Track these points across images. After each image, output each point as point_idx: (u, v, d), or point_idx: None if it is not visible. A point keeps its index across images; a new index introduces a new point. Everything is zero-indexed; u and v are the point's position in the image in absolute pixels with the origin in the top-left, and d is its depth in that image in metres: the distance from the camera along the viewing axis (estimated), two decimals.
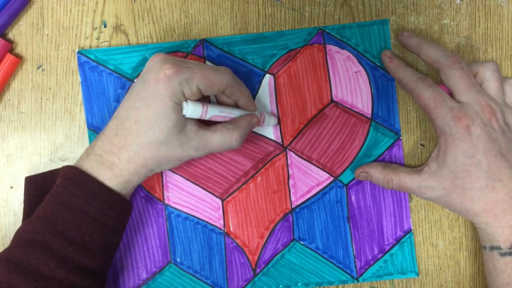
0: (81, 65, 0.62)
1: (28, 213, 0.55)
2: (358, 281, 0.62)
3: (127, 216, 0.57)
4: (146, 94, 0.52)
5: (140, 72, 0.62)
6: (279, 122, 0.63)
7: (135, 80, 0.56)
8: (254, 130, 0.63)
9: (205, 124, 0.56)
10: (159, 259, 0.62)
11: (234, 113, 0.57)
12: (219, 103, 0.59)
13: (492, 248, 0.55)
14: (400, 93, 0.63)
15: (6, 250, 0.52)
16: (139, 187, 0.62)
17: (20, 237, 0.52)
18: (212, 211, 0.62)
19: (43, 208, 0.53)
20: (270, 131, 0.63)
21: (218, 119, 0.56)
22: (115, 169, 0.53)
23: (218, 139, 0.55)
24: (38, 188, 0.56)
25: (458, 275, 0.63)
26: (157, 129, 0.52)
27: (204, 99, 0.58)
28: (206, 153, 0.56)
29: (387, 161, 0.62)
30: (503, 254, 0.54)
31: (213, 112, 0.55)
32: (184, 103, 0.53)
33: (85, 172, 0.54)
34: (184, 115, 0.53)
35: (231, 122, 0.57)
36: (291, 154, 0.63)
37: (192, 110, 0.53)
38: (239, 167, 0.63)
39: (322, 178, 0.63)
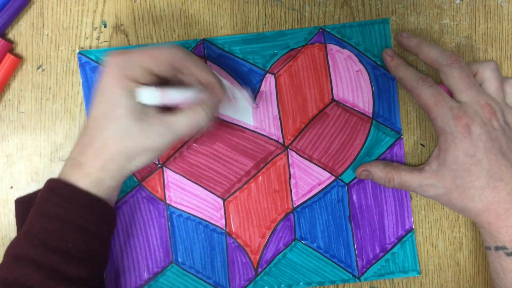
0: (82, 65, 0.62)
1: None
2: (360, 280, 0.62)
3: (110, 221, 0.56)
4: (98, 90, 0.53)
5: None
6: (257, 103, 0.62)
7: None
8: (255, 130, 0.62)
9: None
10: (160, 259, 0.62)
11: (197, 91, 0.55)
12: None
13: (498, 248, 0.55)
14: (400, 93, 0.63)
15: None
16: (140, 187, 0.62)
17: (6, 254, 0.52)
18: (213, 211, 0.62)
19: (27, 222, 0.52)
20: (270, 126, 0.63)
21: (184, 103, 0.54)
22: (84, 168, 0.53)
23: (182, 119, 0.53)
24: (27, 209, 0.55)
25: (458, 275, 0.63)
26: (114, 119, 0.52)
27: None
28: (174, 139, 0.53)
29: (388, 160, 0.63)
30: (509, 254, 0.54)
31: (172, 95, 0.53)
32: (136, 90, 0.52)
33: (62, 179, 0.53)
34: (141, 103, 0.52)
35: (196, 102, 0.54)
36: (292, 154, 0.63)
37: (145, 95, 0.52)
38: (241, 167, 0.62)
39: (324, 177, 0.63)
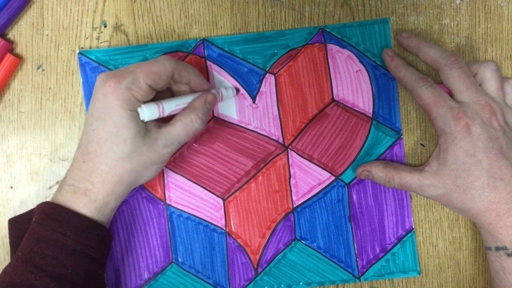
0: (82, 65, 0.62)
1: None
2: (360, 280, 0.62)
3: (107, 245, 0.56)
4: (98, 112, 0.52)
5: None
6: (238, 91, 0.63)
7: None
8: (255, 130, 0.62)
9: (167, 120, 0.56)
10: (161, 259, 0.62)
11: (190, 99, 0.57)
12: (175, 94, 0.58)
13: (498, 248, 0.55)
14: (400, 93, 0.63)
15: None
16: (141, 187, 0.62)
17: (1, 280, 0.51)
18: (213, 211, 0.62)
19: (21, 247, 0.52)
20: (270, 126, 0.63)
21: (177, 112, 0.56)
22: (90, 194, 0.53)
23: (180, 127, 0.54)
24: (19, 229, 0.55)
25: (458, 275, 0.63)
26: (121, 142, 0.52)
27: (161, 96, 0.57)
28: (177, 147, 0.55)
29: (388, 160, 0.62)
30: (510, 254, 0.54)
31: (170, 108, 0.55)
32: (139, 109, 0.53)
33: (59, 204, 0.53)
34: (142, 120, 0.53)
35: (187, 107, 0.56)
36: (292, 154, 0.63)
37: (148, 112, 0.53)
38: (241, 167, 0.62)
39: (324, 177, 0.63)
